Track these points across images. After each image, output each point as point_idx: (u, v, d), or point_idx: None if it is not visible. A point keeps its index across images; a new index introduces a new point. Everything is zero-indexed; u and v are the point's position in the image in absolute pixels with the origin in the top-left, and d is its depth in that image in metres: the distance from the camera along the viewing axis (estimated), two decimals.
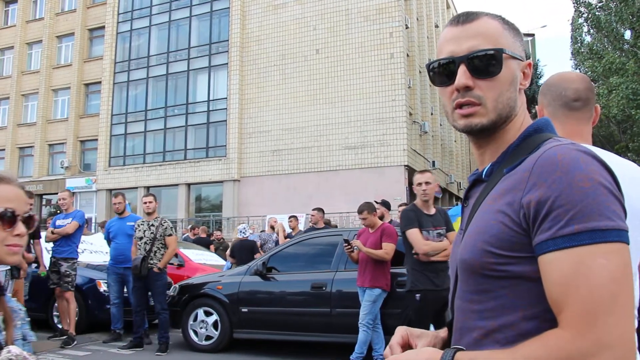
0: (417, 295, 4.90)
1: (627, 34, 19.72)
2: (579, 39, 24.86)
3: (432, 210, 5.14)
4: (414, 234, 4.95)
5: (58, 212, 8.09)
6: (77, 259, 7.68)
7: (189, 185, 27.05)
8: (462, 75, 1.09)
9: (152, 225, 7.47)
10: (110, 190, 28.05)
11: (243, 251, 9.23)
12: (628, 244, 0.93)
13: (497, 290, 1.02)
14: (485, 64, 1.09)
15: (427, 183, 5.07)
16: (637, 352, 1.58)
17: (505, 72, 1.10)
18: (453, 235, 5.05)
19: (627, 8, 17.29)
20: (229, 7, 27.00)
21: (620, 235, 0.92)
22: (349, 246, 6.19)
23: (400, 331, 1.22)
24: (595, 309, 0.88)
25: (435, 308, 4.87)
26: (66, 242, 7.54)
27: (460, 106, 1.11)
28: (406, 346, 1.20)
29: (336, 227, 12.73)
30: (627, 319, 0.89)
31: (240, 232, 9.80)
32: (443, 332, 1.25)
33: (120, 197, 8.07)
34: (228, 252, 12.08)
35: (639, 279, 1.67)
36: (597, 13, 19.79)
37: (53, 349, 7.23)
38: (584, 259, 0.90)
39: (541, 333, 0.94)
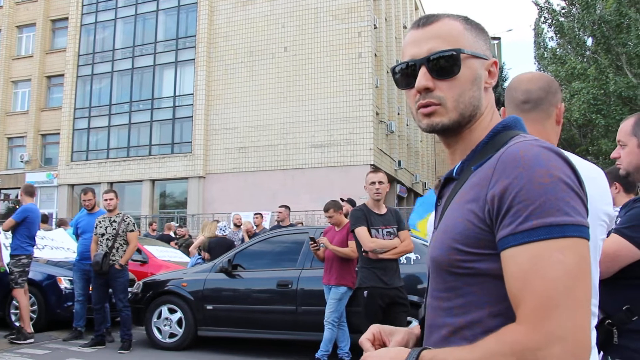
0: (365, 292, 4.95)
1: (589, 41, 20.15)
2: (542, 44, 25.31)
3: (383, 210, 5.19)
4: (361, 232, 5.01)
5: (17, 207, 7.86)
6: (22, 255, 7.17)
7: (153, 181, 26.67)
8: (422, 77, 1.10)
9: (114, 221, 7.35)
10: (72, 185, 27.48)
11: (218, 248, 9.17)
12: (588, 239, 0.94)
13: (465, 288, 1.03)
14: (444, 65, 1.10)
15: (380, 182, 5.11)
16: (595, 348, 1.64)
17: (466, 72, 1.10)
18: (404, 234, 5.13)
19: (589, 15, 17.65)
20: (196, 2, 26.67)
21: (578, 231, 0.93)
22: (315, 244, 6.20)
23: (372, 329, 1.22)
24: (549, 302, 0.89)
25: (383, 305, 4.92)
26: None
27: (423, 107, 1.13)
28: (379, 343, 1.20)
29: (302, 224, 12.73)
30: (581, 314, 0.89)
31: (220, 229, 9.76)
32: (417, 329, 1.25)
33: (90, 193, 7.91)
34: (192, 247, 11.95)
35: (599, 277, 1.72)
36: (560, 19, 20.15)
37: (10, 348, 7.04)
38: (541, 254, 0.91)
39: None
